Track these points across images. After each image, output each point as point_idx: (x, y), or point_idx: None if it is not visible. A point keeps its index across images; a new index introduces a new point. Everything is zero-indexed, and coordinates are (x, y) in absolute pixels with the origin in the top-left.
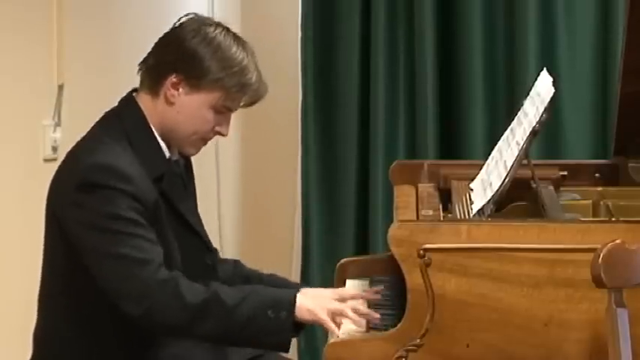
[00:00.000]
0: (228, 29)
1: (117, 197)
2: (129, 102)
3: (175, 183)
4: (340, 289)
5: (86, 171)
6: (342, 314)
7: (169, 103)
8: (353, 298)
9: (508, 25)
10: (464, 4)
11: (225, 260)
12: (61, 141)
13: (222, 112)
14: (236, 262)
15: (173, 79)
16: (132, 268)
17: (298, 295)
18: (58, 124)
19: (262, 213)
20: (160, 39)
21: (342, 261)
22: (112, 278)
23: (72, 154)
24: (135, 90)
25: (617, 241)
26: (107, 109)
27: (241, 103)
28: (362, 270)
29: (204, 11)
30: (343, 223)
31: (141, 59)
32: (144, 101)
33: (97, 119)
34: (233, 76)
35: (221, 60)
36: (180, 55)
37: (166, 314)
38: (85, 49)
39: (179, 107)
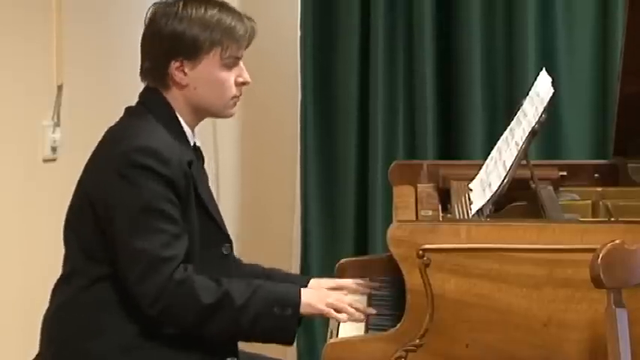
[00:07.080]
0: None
1: (152, 184)
2: (151, 92)
3: (199, 169)
4: (339, 280)
5: (125, 154)
6: (342, 309)
7: (183, 86)
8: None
9: (508, 25)
10: (463, 4)
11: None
12: (60, 141)
13: (232, 64)
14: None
15: (174, 65)
16: (151, 266)
17: (302, 291)
18: (57, 125)
19: (262, 213)
20: (142, 42)
21: (342, 261)
22: (132, 272)
23: (107, 140)
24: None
25: (617, 242)
26: (107, 110)
27: (242, 47)
28: (361, 270)
29: None
30: (343, 224)
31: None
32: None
33: (97, 118)
34: (215, 30)
35: (198, 25)
36: (167, 43)
37: (181, 315)
38: (85, 49)
39: (194, 84)
